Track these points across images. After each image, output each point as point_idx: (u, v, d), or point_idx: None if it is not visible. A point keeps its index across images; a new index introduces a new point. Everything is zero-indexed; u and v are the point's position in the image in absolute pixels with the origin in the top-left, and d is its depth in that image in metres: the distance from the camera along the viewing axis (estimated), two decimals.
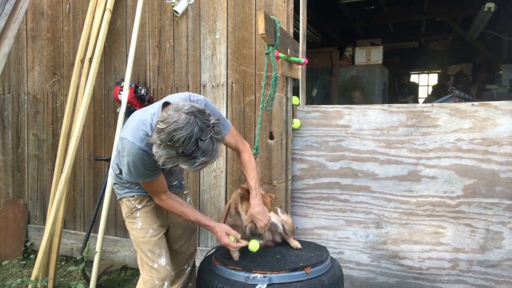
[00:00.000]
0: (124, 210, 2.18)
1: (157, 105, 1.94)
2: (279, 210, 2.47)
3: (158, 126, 1.68)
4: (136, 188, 2.13)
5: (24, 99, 3.87)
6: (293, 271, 2.02)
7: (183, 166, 1.71)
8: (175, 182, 2.30)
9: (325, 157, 2.89)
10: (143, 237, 2.11)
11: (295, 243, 2.34)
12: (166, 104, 1.85)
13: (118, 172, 2.15)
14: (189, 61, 3.18)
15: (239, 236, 2.06)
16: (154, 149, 1.69)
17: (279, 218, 2.35)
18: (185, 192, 2.40)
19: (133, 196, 2.14)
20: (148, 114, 1.91)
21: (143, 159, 1.85)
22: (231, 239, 2.04)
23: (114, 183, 2.21)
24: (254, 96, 2.95)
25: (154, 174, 1.94)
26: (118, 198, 2.22)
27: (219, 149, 1.74)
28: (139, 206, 2.14)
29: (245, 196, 2.10)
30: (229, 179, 3.07)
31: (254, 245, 2.07)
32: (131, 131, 1.89)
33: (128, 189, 2.15)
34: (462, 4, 6.48)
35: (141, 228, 2.12)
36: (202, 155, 1.65)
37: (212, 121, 1.70)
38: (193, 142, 1.62)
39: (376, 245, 2.81)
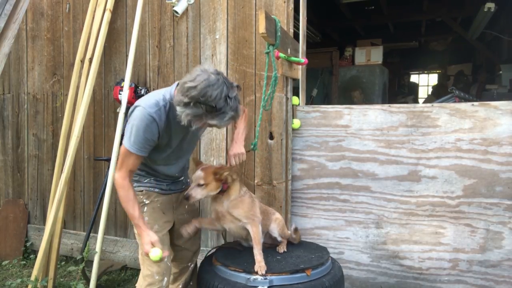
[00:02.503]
0: None
1: (170, 86, 2.05)
2: (292, 228, 2.48)
3: (186, 85, 1.78)
4: (145, 181, 2.16)
5: (24, 99, 3.87)
6: (294, 273, 2.01)
7: (212, 122, 1.83)
8: (182, 178, 2.31)
9: (325, 157, 2.89)
10: None
11: (281, 248, 2.33)
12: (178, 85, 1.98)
13: None
14: (189, 61, 3.18)
15: (161, 251, 1.99)
16: (180, 109, 1.81)
17: (285, 233, 2.36)
18: None
19: (142, 191, 2.16)
20: (162, 89, 2.05)
21: (147, 125, 1.91)
22: (152, 255, 1.95)
23: None
24: (254, 96, 2.95)
25: (145, 150, 1.96)
26: None
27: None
28: (147, 201, 2.15)
29: (195, 167, 2.19)
30: None
31: (154, 254, 1.97)
32: (143, 100, 1.99)
33: (137, 183, 2.17)
34: (462, 4, 6.49)
35: (147, 223, 2.12)
36: (230, 110, 1.81)
37: (235, 84, 1.87)
38: (223, 97, 1.77)
39: (376, 245, 2.81)
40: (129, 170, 1.99)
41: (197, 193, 2.07)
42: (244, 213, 2.16)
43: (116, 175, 2.01)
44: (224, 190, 2.13)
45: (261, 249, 2.10)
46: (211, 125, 1.90)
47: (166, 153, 2.09)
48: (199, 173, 2.09)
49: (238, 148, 2.22)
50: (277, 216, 2.38)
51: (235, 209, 2.15)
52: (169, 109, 1.96)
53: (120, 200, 2.02)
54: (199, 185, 2.07)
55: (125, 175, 1.98)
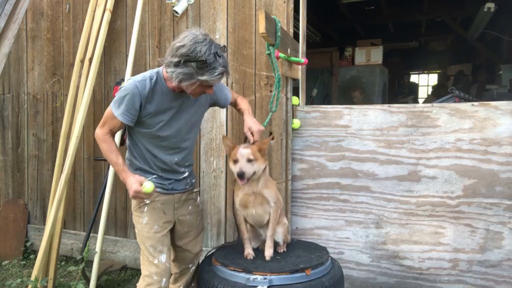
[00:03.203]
0: (134, 203, 2.20)
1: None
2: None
3: (175, 46, 1.86)
4: (147, 180, 2.14)
5: (24, 99, 3.87)
6: (294, 273, 2.02)
7: (202, 78, 1.86)
8: (186, 175, 2.27)
9: (325, 157, 2.89)
10: (147, 232, 2.13)
11: (281, 248, 2.34)
12: None
13: (129, 162, 2.19)
14: None
15: (152, 183, 2.01)
16: (170, 70, 1.89)
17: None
18: (195, 190, 2.41)
19: None
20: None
21: (129, 94, 1.98)
22: (146, 187, 1.96)
23: None
24: (254, 96, 2.95)
25: (127, 118, 2.01)
26: None
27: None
28: (147, 201, 2.15)
29: (231, 147, 2.18)
30: (229, 179, 3.07)
31: (149, 186, 1.99)
32: (135, 76, 2.08)
33: None
34: (462, 4, 6.50)
35: (147, 223, 2.13)
36: (220, 65, 1.87)
37: (222, 45, 1.92)
38: (213, 53, 1.84)
39: (376, 245, 2.81)
40: (110, 129, 2.07)
41: (248, 168, 2.07)
42: (273, 194, 2.22)
43: (97, 130, 2.07)
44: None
45: (274, 235, 2.23)
46: (202, 84, 1.91)
47: (158, 126, 2.07)
48: (245, 150, 2.09)
49: (258, 125, 2.23)
50: (285, 222, 2.40)
51: (266, 188, 2.19)
52: (156, 80, 2.03)
53: (103, 153, 2.08)
54: (249, 161, 2.08)
55: (106, 132, 2.06)
